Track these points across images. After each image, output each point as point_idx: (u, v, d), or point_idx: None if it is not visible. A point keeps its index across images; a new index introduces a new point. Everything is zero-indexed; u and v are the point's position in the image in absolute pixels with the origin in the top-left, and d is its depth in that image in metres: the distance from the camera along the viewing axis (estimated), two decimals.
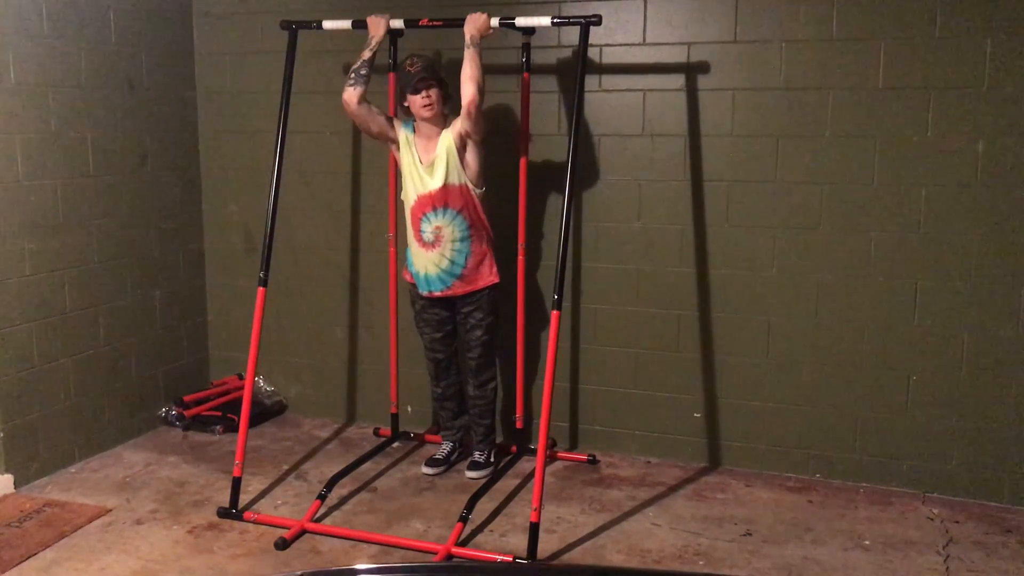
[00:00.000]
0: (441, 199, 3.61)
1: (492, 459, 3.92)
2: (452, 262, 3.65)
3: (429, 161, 3.61)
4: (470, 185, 3.62)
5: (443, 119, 3.62)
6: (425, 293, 3.74)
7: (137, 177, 4.23)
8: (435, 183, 3.59)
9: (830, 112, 3.65)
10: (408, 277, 3.81)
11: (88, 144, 3.96)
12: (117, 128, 4.10)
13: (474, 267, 3.69)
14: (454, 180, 3.59)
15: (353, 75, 3.58)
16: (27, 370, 3.73)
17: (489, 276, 3.73)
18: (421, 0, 3.99)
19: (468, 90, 3.44)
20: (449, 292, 3.71)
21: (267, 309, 3.67)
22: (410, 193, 3.67)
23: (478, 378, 3.84)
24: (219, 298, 4.71)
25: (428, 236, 3.65)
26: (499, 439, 4.08)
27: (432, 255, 3.66)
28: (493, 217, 3.77)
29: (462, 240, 3.65)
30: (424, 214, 3.65)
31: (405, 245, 3.81)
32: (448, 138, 3.56)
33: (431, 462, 3.93)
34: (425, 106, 3.53)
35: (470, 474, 3.85)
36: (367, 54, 3.60)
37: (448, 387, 3.93)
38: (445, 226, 3.63)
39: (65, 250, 3.88)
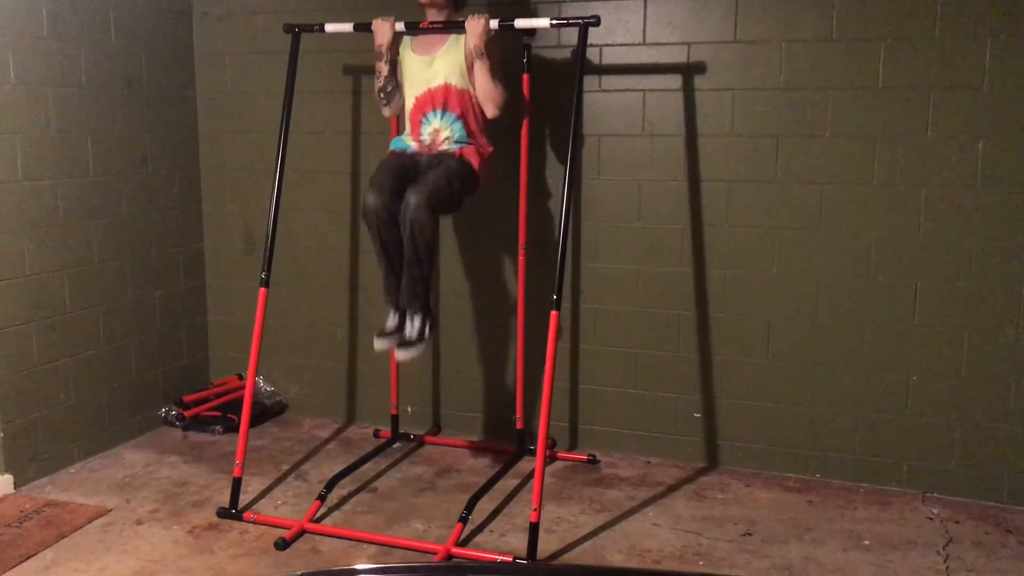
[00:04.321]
0: (440, 98, 3.49)
1: (427, 331, 3.47)
2: (444, 151, 3.51)
3: (431, 55, 3.52)
4: (472, 93, 3.49)
5: (445, 38, 3.54)
6: (411, 152, 3.54)
7: (137, 177, 4.24)
8: (436, 79, 3.49)
9: (830, 112, 3.65)
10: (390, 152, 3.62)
11: (88, 144, 3.96)
12: (117, 128, 4.10)
13: (463, 151, 3.50)
14: (455, 81, 3.48)
15: (383, 94, 3.62)
16: (27, 370, 3.73)
17: (473, 159, 3.48)
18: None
19: (489, 110, 3.46)
20: (436, 151, 3.50)
21: (267, 309, 3.67)
22: (409, 100, 3.57)
23: (417, 212, 3.30)
24: (219, 298, 4.71)
25: (426, 139, 3.54)
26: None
27: (426, 153, 3.53)
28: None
29: (458, 142, 3.51)
30: (424, 115, 3.53)
31: None
32: (459, 42, 3.48)
33: (381, 334, 3.51)
34: None
35: (400, 355, 3.47)
36: (384, 68, 3.58)
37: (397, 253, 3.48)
38: (443, 129, 3.51)
39: (65, 250, 3.88)
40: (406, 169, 3.47)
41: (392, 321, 3.50)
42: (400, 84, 3.62)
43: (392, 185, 3.39)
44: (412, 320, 3.44)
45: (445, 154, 3.49)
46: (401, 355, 3.45)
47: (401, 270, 3.46)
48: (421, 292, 3.45)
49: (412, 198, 3.30)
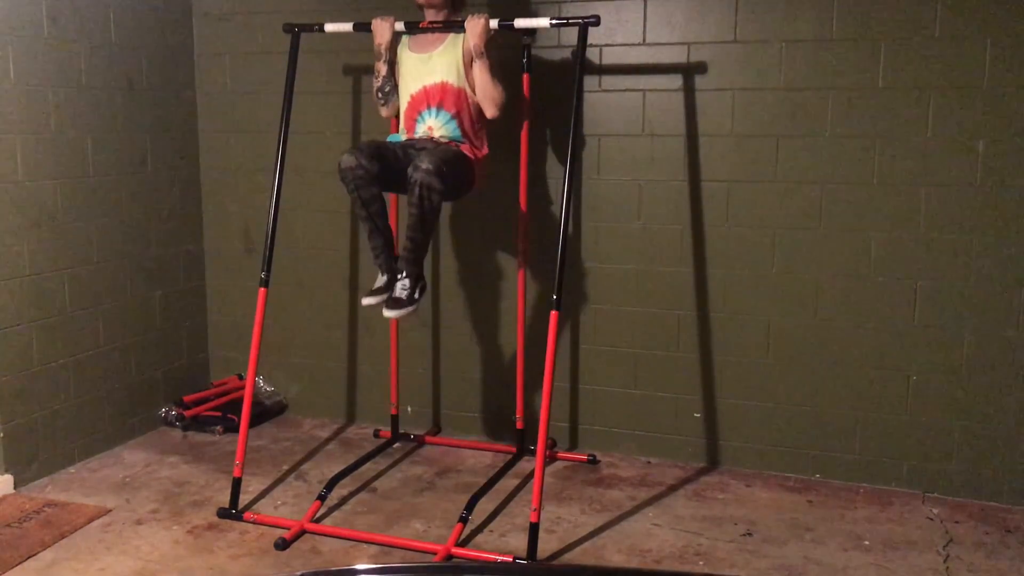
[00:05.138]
0: (436, 97, 3.47)
1: (417, 294, 3.40)
2: (436, 145, 3.46)
3: (428, 53, 3.52)
4: (469, 92, 3.48)
5: (443, 37, 3.53)
6: (401, 141, 3.53)
7: (137, 177, 4.24)
8: (432, 77, 3.48)
9: (830, 112, 3.65)
10: None
11: (88, 144, 3.96)
12: (117, 128, 4.10)
13: (457, 144, 3.49)
14: (452, 80, 3.46)
15: (380, 95, 3.62)
16: (27, 370, 3.73)
17: (467, 152, 3.48)
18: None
19: (488, 110, 3.45)
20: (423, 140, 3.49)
21: (267, 309, 3.67)
22: (404, 99, 3.55)
23: (427, 176, 3.19)
24: (219, 298, 4.71)
25: (420, 137, 3.53)
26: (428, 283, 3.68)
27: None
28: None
29: (452, 140, 3.50)
30: (419, 113, 3.51)
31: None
32: (457, 42, 3.47)
33: (370, 293, 3.45)
34: None
35: (388, 312, 3.35)
36: (383, 67, 3.58)
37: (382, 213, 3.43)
38: (438, 128, 3.49)
39: (65, 250, 3.88)
40: (392, 149, 3.42)
41: (381, 281, 3.43)
42: (397, 85, 3.62)
43: (370, 150, 3.32)
44: (403, 281, 3.37)
45: (441, 140, 3.49)
46: (389, 313, 3.34)
47: (384, 228, 3.41)
48: (419, 257, 3.38)
49: (423, 162, 3.21)
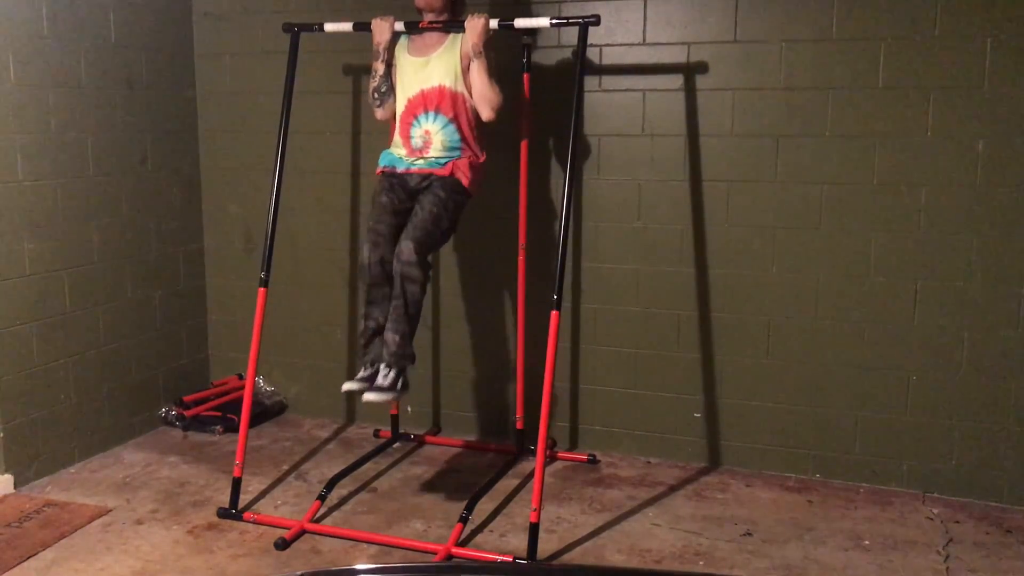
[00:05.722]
0: (434, 100, 3.45)
1: (400, 385, 3.34)
2: (436, 159, 3.47)
3: (426, 56, 3.50)
4: (467, 96, 3.45)
5: (442, 36, 3.52)
6: (401, 169, 3.50)
7: (137, 177, 4.24)
8: (430, 81, 3.46)
9: (830, 112, 3.66)
10: (379, 171, 3.58)
11: (88, 144, 3.96)
12: (117, 128, 4.10)
13: (455, 166, 3.45)
14: (450, 84, 3.44)
15: (376, 95, 3.60)
16: (27, 370, 3.73)
17: (464, 176, 3.45)
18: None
19: (484, 112, 3.43)
20: (425, 170, 3.47)
21: (267, 309, 3.67)
22: (400, 102, 3.54)
23: (408, 266, 3.29)
24: (219, 298, 4.71)
25: (417, 142, 3.49)
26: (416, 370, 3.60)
27: (417, 160, 3.49)
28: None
29: (450, 150, 3.46)
30: (415, 117, 3.48)
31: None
32: (455, 46, 3.46)
33: (353, 380, 3.44)
34: None
35: (370, 396, 3.31)
36: (380, 67, 3.57)
37: (384, 311, 3.44)
38: (435, 133, 3.45)
39: (65, 250, 3.88)
40: (400, 202, 3.45)
41: (365, 372, 3.41)
42: (394, 86, 3.61)
43: (388, 235, 3.38)
44: (387, 374, 3.34)
45: (435, 177, 3.44)
46: (370, 396, 3.31)
47: (383, 328, 3.40)
48: (405, 354, 3.36)
49: (403, 248, 3.29)
